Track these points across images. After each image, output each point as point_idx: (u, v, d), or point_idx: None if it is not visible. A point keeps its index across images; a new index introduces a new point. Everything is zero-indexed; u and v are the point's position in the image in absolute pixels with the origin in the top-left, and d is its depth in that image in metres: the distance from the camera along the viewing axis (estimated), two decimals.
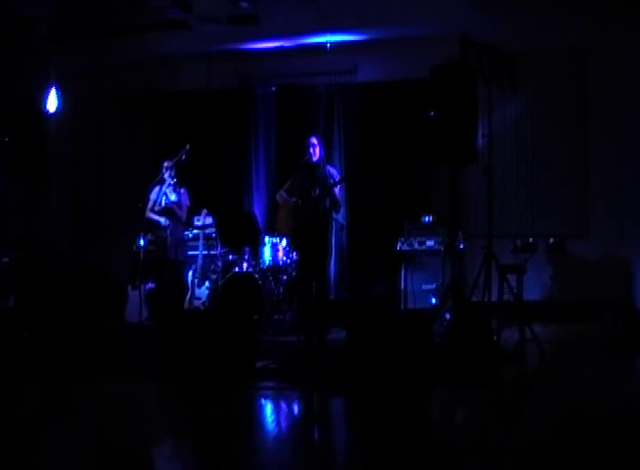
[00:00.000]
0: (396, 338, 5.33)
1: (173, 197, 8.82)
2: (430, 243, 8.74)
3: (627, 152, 9.41)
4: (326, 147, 9.29)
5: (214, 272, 8.87)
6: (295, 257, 8.42)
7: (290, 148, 9.41)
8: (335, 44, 9.94)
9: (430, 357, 5.39)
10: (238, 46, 10.20)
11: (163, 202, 8.80)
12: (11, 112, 7.54)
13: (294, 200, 7.92)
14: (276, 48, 10.14)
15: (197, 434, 4.34)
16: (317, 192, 7.94)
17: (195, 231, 9.27)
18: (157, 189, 8.87)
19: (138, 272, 8.80)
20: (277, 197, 8.37)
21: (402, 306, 8.60)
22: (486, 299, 6.30)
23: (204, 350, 5.64)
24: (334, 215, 8.38)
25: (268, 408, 5.18)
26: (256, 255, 8.65)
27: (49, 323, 6.94)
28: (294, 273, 8.44)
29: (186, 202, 8.95)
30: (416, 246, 8.77)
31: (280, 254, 8.54)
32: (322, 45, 9.96)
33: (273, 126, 10.43)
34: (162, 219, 8.76)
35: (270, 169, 10.33)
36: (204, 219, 9.12)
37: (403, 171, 9.69)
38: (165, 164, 8.77)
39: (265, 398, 5.38)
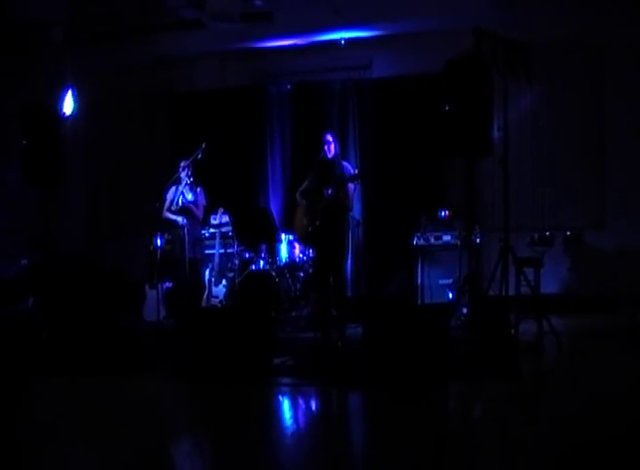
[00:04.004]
0: (414, 333, 5.31)
1: (190, 196, 8.86)
2: (446, 237, 8.73)
3: None
4: (341, 143, 9.29)
5: (231, 270, 8.88)
6: (310, 253, 8.43)
7: (305, 145, 9.43)
8: (349, 40, 9.94)
9: (447, 352, 5.38)
10: (252, 44, 10.22)
11: (180, 201, 8.85)
12: (27, 115, 7.61)
13: (304, 202, 7.94)
14: (290, 45, 10.14)
15: (215, 431, 4.36)
16: (333, 189, 7.96)
17: (211, 230, 9.32)
18: (173, 189, 8.92)
19: (155, 272, 8.88)
20: (297, 196, 8.35)
21: (419, 301, 8.60)
22: (504, 292, 6.26)
23: (221, 347, 5.65)
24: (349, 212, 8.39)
25: (286, 404, 5.19)
26: (273, 252, 8.66)
27: (68, 323, 7.00)
28: (310, 270, 8.45)
29: (202, 201, 8.99)
30: (432, 241, 8.78)
31: (296, 251, 8.55)
32: (336, 42, 9.96)
33: (288, 123, 10.43)
34: (180, 219, 8.81)
35: (286, 167, 10.34)
36: (220, 218, 9.14)
37: (419, 166, 9.65)
38: (182, 163, 8.82)
39: (283, 394, 5.39)
